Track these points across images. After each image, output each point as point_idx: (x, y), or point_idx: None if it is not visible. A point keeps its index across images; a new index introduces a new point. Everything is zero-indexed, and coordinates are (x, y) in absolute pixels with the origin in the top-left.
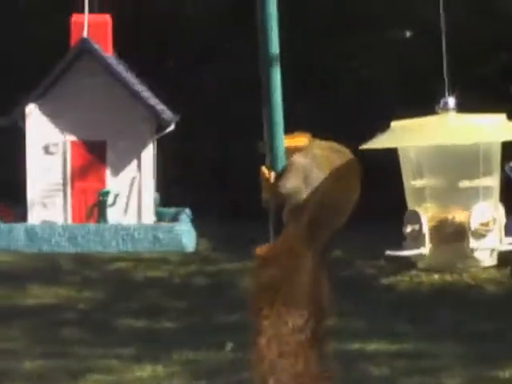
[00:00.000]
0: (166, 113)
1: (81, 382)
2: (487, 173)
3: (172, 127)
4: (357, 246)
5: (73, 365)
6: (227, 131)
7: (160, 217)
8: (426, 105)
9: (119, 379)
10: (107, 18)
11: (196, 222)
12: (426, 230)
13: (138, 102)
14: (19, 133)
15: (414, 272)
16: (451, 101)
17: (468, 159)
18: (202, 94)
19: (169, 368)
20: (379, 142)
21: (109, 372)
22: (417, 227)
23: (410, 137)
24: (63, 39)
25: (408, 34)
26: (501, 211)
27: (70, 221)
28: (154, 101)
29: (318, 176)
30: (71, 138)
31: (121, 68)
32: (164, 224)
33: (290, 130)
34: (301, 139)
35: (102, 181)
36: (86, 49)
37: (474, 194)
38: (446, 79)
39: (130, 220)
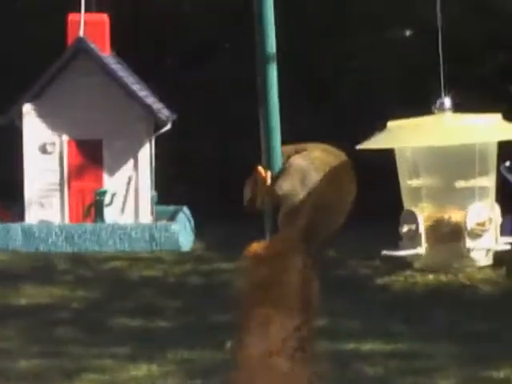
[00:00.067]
0: (163, 112)
1: (76, 381)
2: (483, 173)
3: (168, 126)
4: (352, 246)
5: (67, 364)
6: (227, 131)
7: (158, 215)
8: (425, 105)
9: (114, 378)
10: (104, 17)
11: (194, 221)
12: (422, 229)
13: (134, 102)
14: (16, 132)
15: (408, 272)
16: (447, 101)
17: (464, 159)
18: (201, 93)
19: (164, 367)
20: (375, 142)
21: (103, 371)
22: (413, 227)
23: (406, 137)
24: (63, 39)
25: (408, 33)
26: (497, 211)
27: (67, 220)
28: (151, 100)
29: (316, 179)
30: (68, 137)
31: (118, 67)
32: (161, 223)
33: (289, 130)
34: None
35: (99, 180)
36: (82, 48)
37: (470, 194)
38: (443, 79)
39: (127, 219)
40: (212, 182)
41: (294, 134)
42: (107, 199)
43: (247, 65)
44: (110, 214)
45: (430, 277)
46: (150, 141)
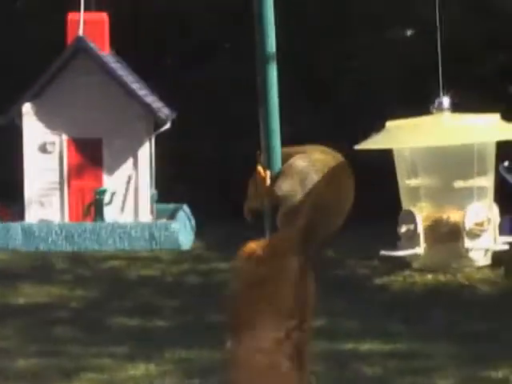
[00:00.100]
0: (163, 111)
1: (74, 380)
2: (482, 173)
3: (168, 125)
4: (351, 246)
5: (66, 363)
6: (227, 131)
7: (158, 213)
8: (426, 105)
9: (112, 378)
10: (104, 16)
11: (193, 220)
12: (420, 229)
13: (133, 101)
14: (15, 132)
15: (407, 272)
16: (446, 101)
17: (463, 159)
18: (201, 93)
19: (161, 366)
20: (374, 143)
21: (102, 370)
22: (411, 227)
23: (405, 137)
24: (63, 39)
25: (409, 32)
26: (495, 211)
27: (66, 219)
28: (150, 99)
29: (315, 180)
30: (67, 136)
31: (117, 66)
32: (160, 222)
33: (289, 130)
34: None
35: (99, 179)
36: (81, 47)
37: (468, 194)
38: (441, 79)
39: (126, 218)
40: (212, 182)
41: (294, 134)
42: (107, 198)
43: (247, 65)
44: (110, 213)
45: (429, 277)
46: (150, 140)
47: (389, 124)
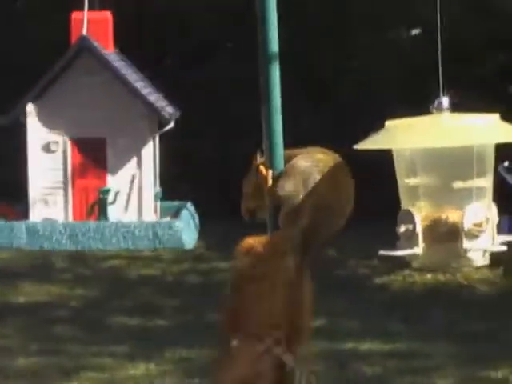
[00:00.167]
0: (166, 110)
1: (74, 379)
2: (481, 173)
3: (172, 125)
4: (351, 246)
5: (66, 362)
6: (227, 131)
7: (163, 211)
8: (426, 105)
9: (112, 377)
10: (108, 15)
11: (197, 218)
12: (419, 229)
13: (137, 100)
14: (19, 131)
15: (407, 272)
16: (445, 100)
17: (462, 159)
18: (201, 93)
19: (161, 366)
20: (373, 143)
21: (102, 370)
22: (410, 227)
23: (404, 137)
24: (63, 39)
25: (414, 32)
26: (494, 211)
27: (70, 218)
28: (154, 97)
29: (318, 180)
30: (71, 136)
31: (121, 64)
32: (164, 221)
33: (290, 130)
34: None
35: (103, 179)
36: (85, 47)
37: (467, 194)
38: (441, 79)
39: (130, 217)
40: (212, 182)
41: (294, 134)
42: (111, 197)
43: (247, 65)
44: (114, 212)
45: (428, 276)
46: (154, 139)
47: (388, 124)
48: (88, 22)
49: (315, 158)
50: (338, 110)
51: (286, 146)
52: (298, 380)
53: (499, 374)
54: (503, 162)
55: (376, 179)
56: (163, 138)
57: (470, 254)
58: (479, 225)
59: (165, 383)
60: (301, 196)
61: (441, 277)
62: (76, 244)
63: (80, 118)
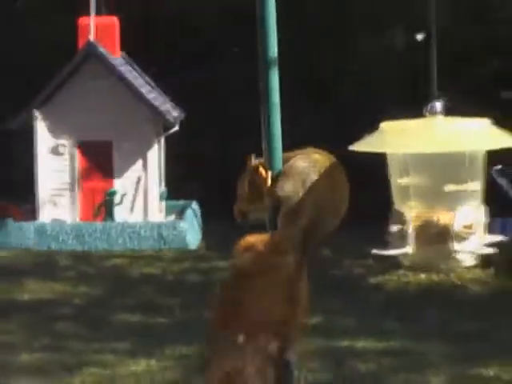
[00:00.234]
0: (171, 113)
1: (76, 375)
2: (472, 176)
3: (176, 128)
4: (346, 246)
5: (69, 358)
6: (227, 131)
7: (168, 209)
8: (425, 105)
9: (114, 373)
10: (114, 20)
11: (200, 218)
12: (410, 230)
13: (142, 104)
14: (28, 134)
15: (401, 271)
16: (438, 104)
17: (454, 162)
18: (201, 93)
19: (162, 362)
20: (367, 145)
21: (104, 366)
22: (402, 227)
23: (396, 141)
24: (64, 39)
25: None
26: (483, 211)
27: (77, 219)
28: (159, 101)
29: (317, 181)
30: (78, 139)
31: (127, 69)
32: (169, 221)
33: (290, 130)
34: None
35: (109, 181)
36: (92, 52)
37: (458, 196)
38: (435, 83)
39: (136, 218)
40: (212, 182)
41: (294, 134)
42: (117, 199)
43: (248, 65)
44: (120, 213)
45: (422, 276)
46: (159, 141)
47: (382, 125)
48: (95, 26)
49: (312, 158)
50: (337, 110)
51: (286, 146)
52: (297, 377)
53: (490, 372)
54: (496, 165)
55: (370, 181)
56: (168, 138)
57: (458, 256)
58: (469, 227)
59: (165, 379)
60: (300, 196)
61: (435, 277)
62: (83, 244)
63: (87, 122)
